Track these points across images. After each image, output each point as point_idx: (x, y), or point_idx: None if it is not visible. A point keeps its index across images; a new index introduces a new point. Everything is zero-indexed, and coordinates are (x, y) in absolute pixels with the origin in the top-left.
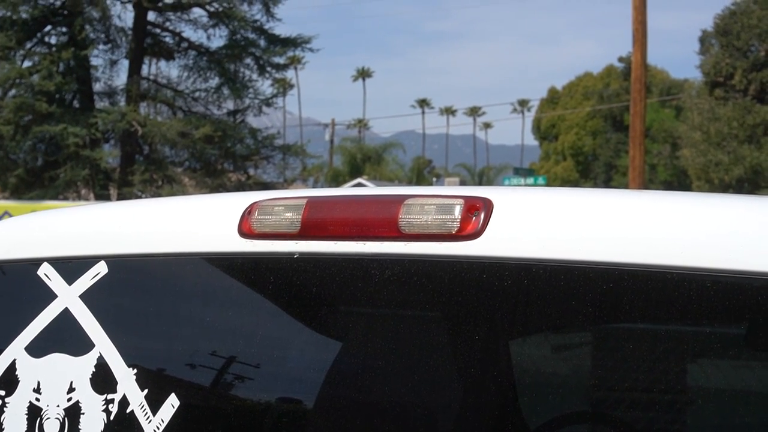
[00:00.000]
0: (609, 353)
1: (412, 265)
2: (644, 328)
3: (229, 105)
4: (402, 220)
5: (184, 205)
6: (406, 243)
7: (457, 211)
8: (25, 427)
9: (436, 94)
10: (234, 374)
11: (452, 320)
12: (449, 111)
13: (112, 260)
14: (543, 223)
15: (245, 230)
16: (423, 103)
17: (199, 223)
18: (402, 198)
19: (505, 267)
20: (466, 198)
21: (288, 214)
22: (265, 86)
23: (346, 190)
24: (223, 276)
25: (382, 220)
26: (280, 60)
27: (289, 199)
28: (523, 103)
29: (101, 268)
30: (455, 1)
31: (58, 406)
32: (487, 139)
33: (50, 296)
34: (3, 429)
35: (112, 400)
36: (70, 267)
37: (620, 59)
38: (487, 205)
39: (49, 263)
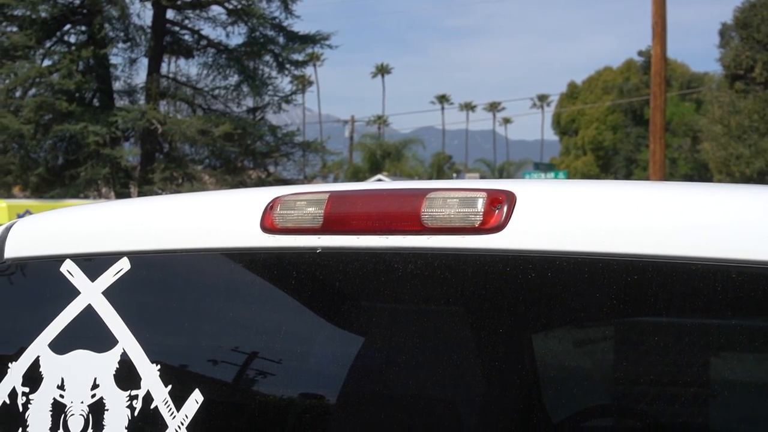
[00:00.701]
0: (633, 346)
1: (435, 258)
2: (668, 320)
3: (249, 102)
4: (425, 214)
5: (205, 200)
6: (428, 236)
7: (480, 204)
8: (49, 424)
9: (456, 89)
10: (257, 370)
11: (476, 314)
12: (469, 106)
13: (134, 256)
14: (566, 216)
15: (268, 225)
16: (442, 98)
17: (221, 218)
18: (424, 191)
19: (528, 260)
20: (488, 191)
21: (310, 209)
22: (285, 83)
23: (368, 185)
24: (246, 271)
25: (404, 214)
26: (299, 57)
27: (312, 194)
28: (543, 98)
29: (124, 265)
30: None
31: (82, 402)
32: (506, 135)
33: (73, 293)
34: (28, 426)
35: (136, 396)
36: (93, 264)
37: (640, 53)
38: (509, 198)
39: (72, 260)
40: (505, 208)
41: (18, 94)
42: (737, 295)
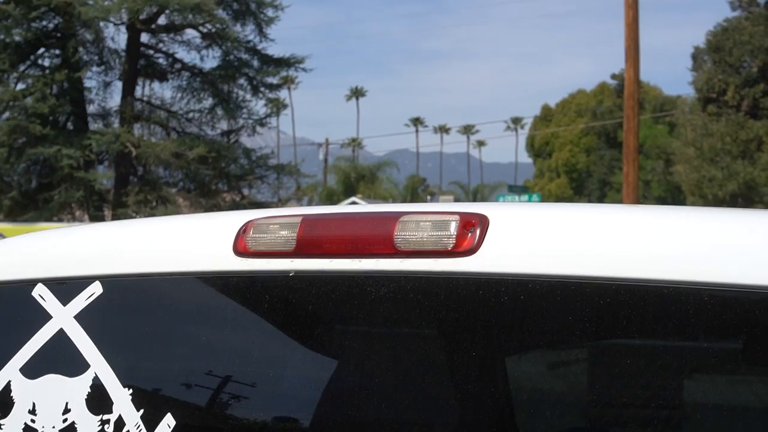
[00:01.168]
0: (605, 369)
1: (408, 282)
2: (641, 342)
3: (223, 125)
4: (397, 237)
5: (178, 224)
6: (401, 260)
7: (453, 228)
8: None
9: (430, 112)
10: (230, 393)
11: (449, 337)
12: (443, 129)
13: (106, 280)
14: (539, 239)
15: (240, 249)
16: (417, 121)
17: (193, 242)
18: (397, 215)
19: (501, 283)
20: (461, 214)
21: (283, 232)
22: (259, 106)
23: (341, 208)
24: (219, 295)
25: (377, 237)
26: (273, 80)
27: (284, 218)
28: (517, 121)
29: (96, 289)
30: (449, 19)
31: (53, 427)
32: (481, 157)
33: (45, 317)
34: None
35: (107, 421)
36: (65, 288)
37: (613, 76)
38: (482, 221)
39: (44, 284)
40: (477, 231)
41: None
42: (709, 318)
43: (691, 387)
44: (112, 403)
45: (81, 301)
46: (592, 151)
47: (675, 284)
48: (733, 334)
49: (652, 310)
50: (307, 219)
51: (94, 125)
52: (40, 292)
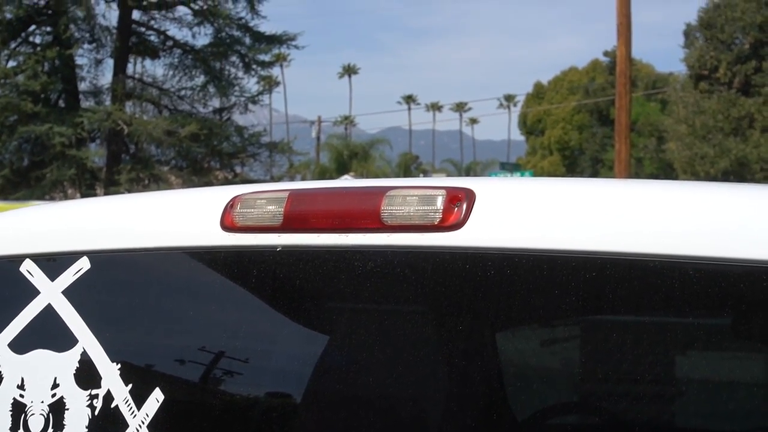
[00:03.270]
0: (594, 343)
1: (395, 256)
2: (628, 317)
3: (215, 103)
4: (384, 212)
5: (166, 199)
6: (388, 234)
7: (440, 202)
8: (9, 424)
9: (423, 90)
10: (218, 368)
11: (436, 311)
12: (435, 107)
13: (94, 256)
14: (525, 213)
15: (227, 224)
16: (409, 99)
17: (181, 217)
18: (384, 189)
19: (488, 257)
20: (448, 189)
21: (270, 207)
22: (251, 84)
23: (328, 183)
24: (206, 270)
25: (364, 212)
26: (265, 57)
27: (271, 192)
28: (510, 99)
29: (84, 264)
30: None
31: (42, 402)
32: (473, 135)
33: (33, 292)
34: None
35: (96, 396)
36: (53, 263)
37: (605, 53)
38: (469, 196)
39: (31, 259)
40: (464, 206)
41: None
42: (695, 292)
43: (680, 362)
44: (100, 378)
45: (69, 277)
46: (585, 128)
47: (660, 258)
48: (719, 309)
49: (638, 285)
50: (294, 194)
51: (86, 103)
52: (28, 268)
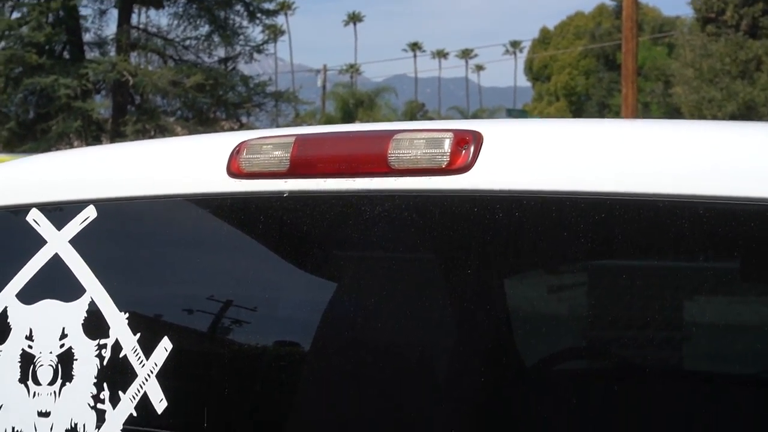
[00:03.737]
0: (603, 287)
1: (402, 200)
2: (637, 259)
3: (220, 53)
4: (391, 156)
5: (172, 146)
6: (395, 178)
7: (447, 145)
8: (18, 375)
9: (428, 37)
10: (226, 316)
11: (444, 255)
12: (441, 54)
13: (100, 204)
14: (533, 155)
15: (234, 170)
16: (415, 46)
17: (186, 164)
18: (391, 133)
19: (496, 200)
20: (455, 131)
21: (277, 153)
22: (256, 33)
23: (334, 127)
24: (212, 217)
25: (371, 156)
26: (269, 6)
27: (278, 138)
28: (516, 45)
29: (90, 213)
30: None
31: (51, 352)
32: (479, 82)
33: (40, 242)
34: None
35: (104, 345)
36: (59, 212)
37: None
38: (476, 138)
39: (38, 209)
40: (471, 148)
41: None
42: (705, 232)
43: (689, 304)
44: (108, 327)
45: (75, 226)
46: (591, 73)
47: (670, 198)
48: (728, 249)
49: (647, 225)
50: (300, 138)
51: (91, 54)
52: (35, 217)
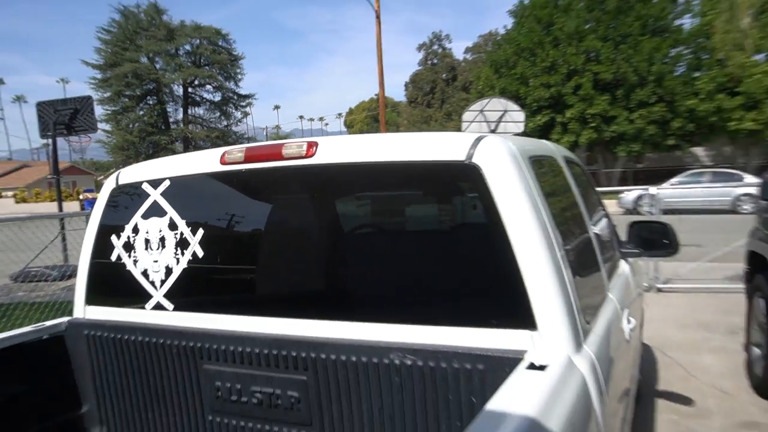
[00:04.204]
0: (378, 207)
1: (288, 170)
2: (384, 191)
3: (223, 121)
4: (283, 152)
5: (196, 155)
6: (285, 162)
7: (305, 147)
8: (144, 246)
9: (304, 109)
10: (222, 235)
11: (306, 192)
12: (311, 119)
13: (171, 178)
14: (340, 149)
15: (222, 162)
16: (301, 117)
17: (202, 159)
18: (281, 145)
19: (323, 166)
20: (308, 141)
21: (239, 154)
22: (238, 114)
23: (263, 143)
24: (215, 186)
25: (275, 152)
26: (243, 94)
27: (240, 148)
28: (340, 115)
29: (167, 182)
30: None
31: (157, 236)
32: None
33: (147, 196)
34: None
35: (178, 234)
36: (156, 182)
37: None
38: (316, 143)
39: (147, 182)
40: (314, 148)
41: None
42: (398, 175)
43: (408, 210)
44: (177, 227)
45: (163, 188)
46: (375, 125)
47: (387, 162)
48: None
49: (383, 174)
50: (248, 147)
51: (173, 126)
52: (144, 186)
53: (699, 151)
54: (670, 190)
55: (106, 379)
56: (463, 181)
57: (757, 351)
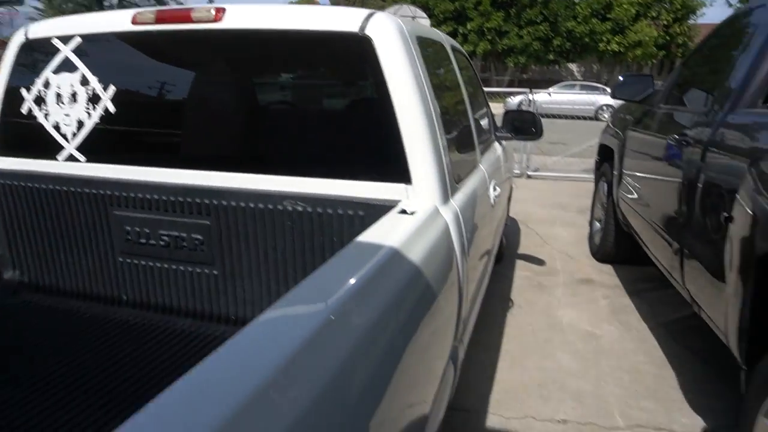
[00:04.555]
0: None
1: (198, 33)
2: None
3: None
4: (193, 15)
5: (110, 13)
6: (196, 24)
7: (213, 11)
8: (55, 100)
9: None
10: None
11: (218, 55)
12: None
13: (83, 36)
14: (247, 16)
15: (133, 22)
16: None
17: (116, 18)
18: (192, 8)
19: (230, 31)
20: (216, 7)
21: (150, 15)
22: None
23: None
24: (123, 46)
25: (186, 15)
26: None
27: (153, 8)
28: None
29: (78, 39)
30: None
31: (68, 91)
32: None
33: (58, 51)
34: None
35: (88, 87)
36: (68, 39)
37: None
38: (223, 10)
39: (57, 38)
40: (222, 13)
41: None
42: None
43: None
44: (88, 78)
45: (74, 44)
46: None
47: (291, 30)
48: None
49: (280, 45)
50: (159, 10)
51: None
52: (54, 42)
53: (573, 67)
54: (546, 97)
55: (18, 226)
56: (356, 51)
57: (597, 225)
